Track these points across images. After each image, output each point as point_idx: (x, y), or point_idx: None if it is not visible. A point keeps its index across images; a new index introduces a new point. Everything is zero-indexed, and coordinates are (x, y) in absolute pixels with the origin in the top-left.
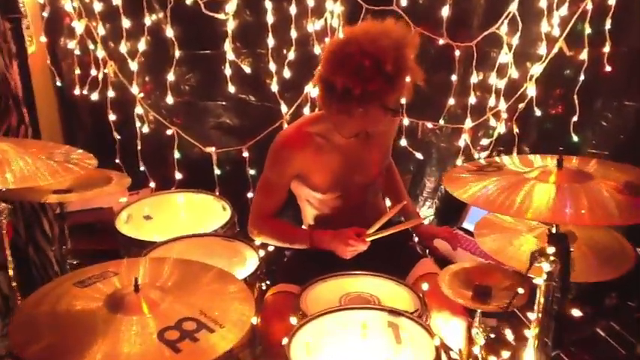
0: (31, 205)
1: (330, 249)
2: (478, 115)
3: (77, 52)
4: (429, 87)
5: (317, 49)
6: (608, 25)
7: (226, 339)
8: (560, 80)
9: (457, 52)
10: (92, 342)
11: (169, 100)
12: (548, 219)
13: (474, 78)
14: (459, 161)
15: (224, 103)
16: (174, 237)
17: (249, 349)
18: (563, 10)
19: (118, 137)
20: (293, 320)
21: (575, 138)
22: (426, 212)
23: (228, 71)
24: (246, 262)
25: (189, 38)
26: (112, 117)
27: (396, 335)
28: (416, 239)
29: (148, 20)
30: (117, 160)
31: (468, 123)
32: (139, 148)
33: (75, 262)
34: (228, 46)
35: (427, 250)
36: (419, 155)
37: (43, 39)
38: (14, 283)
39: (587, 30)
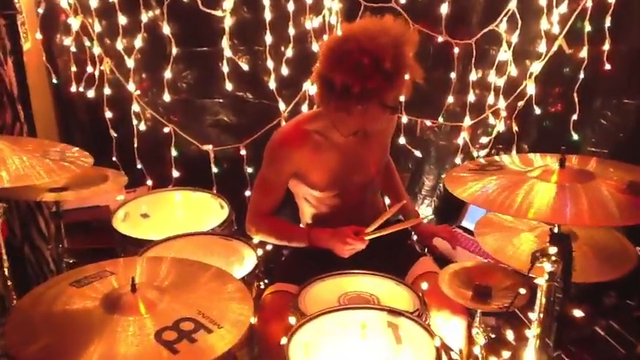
0: (27, 203)
1: (327, 247)
2: (477, 113)
3: (73, 49)
4: (428, 85)
5: (315, 47)
6: (607, 22)
7: (225, 339)
8: (560, 78)
9: (456, 50)
10: (88, 343)
11: (166, 97)
12: (547, 219)
13: (473, 76)
14: (458, 159)
15: (221, 100)
16: (171, 235)
17: (247, 348)
18: (563, 8)
19: (115, 135)
20: (291, 320)
21: (575, 136)
22: (425, 210)
23: (225, 68)
24: (244, 260)
25: (186, 35)
26: (108, 114)
27: (395, 335)
28: (415, 238)
29: (145, 17)
30: (113, 158)
31: (467, 121)
32: (135, 145)
33: (71, 261)
34: (225, 43)
35: (426, 249)
36: (418, 153)
37: (39, 36)
38: (10, 283)
39: (587, 28)
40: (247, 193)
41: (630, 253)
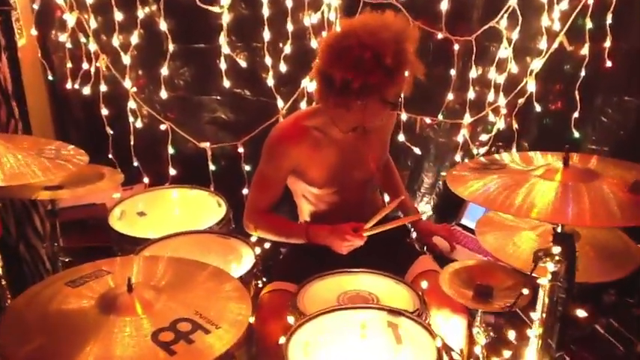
0: (22, 201)
1: (326, 244)
2: (477, 110)
3: (69, 45)
4: (428, 82)
5: (314, 43)
6: (609, 20)
7: (222, 340)
8: (560, 75)
9: (456, 47)
10: (84, 344)
11: (163, 94)
12: (549, 219)
13: (473, 73)
14: (458, 157)
15: (219, 97)
16: (168, 234)
17: (245, 347)
18: (564, 5)
19: (111, 132)
20: (290, 319)
21: (576, 134)
22: (424, 208)
23: (223, 65)
24: (242, 259)
25: (184, 31)
26: (104, 112)
27: (396, 335)
28: (414, 235)
29: (141, 13)
30: (110, 156)
31: (467, 118)
32: (132, 143)
33: (67, 260)
34: (223, 39)
35: (425, 247)
36: (417, 151)
37: (34, 32)
38: (4, 282)
39: (588, 25)
40: (245, 191)
41: (633, 252)
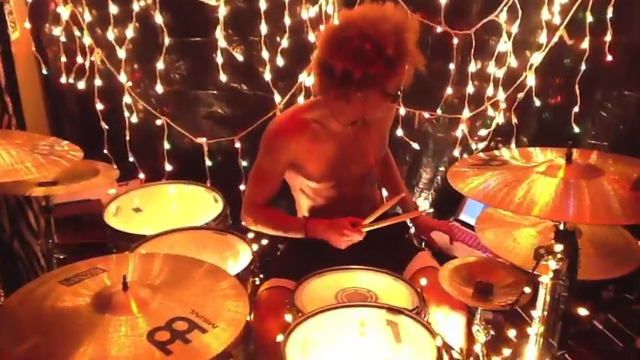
0: (16, 197)
1: (324, 238)
2: (476, 104)
3: (63, 39)
4: (426, 76)
5: (311, 37)
6: (609, 13)
7: (219, 339)
8: (560, 70)
9: (455, 40)
10: (79, 344)
11: (159, 89)
12: (548, 216)
13: (472, 67)
14: (456, 152)
15: (215, 92)
16: (164, 230)
17: (242, 346)
18: None
19: (106, 127)
20: (288, 317)
21: (576, 129)
22: (422, 203)
23: (219, 59)
24: (239, 256)
25: (179, 25)
26: (99, 106)
27: (395, 334)
28: (412, 231)
29: (136, 6)
30: (105, 151)
31: (466, 113)
32: (127, 138)
33: (61, 257)
34: (219, 33)
35: (423, 243)
36: (415, 146)
37: (27, 25)
38: None
39: (589, 18)
40: (242, 186)
41: (635, 250)
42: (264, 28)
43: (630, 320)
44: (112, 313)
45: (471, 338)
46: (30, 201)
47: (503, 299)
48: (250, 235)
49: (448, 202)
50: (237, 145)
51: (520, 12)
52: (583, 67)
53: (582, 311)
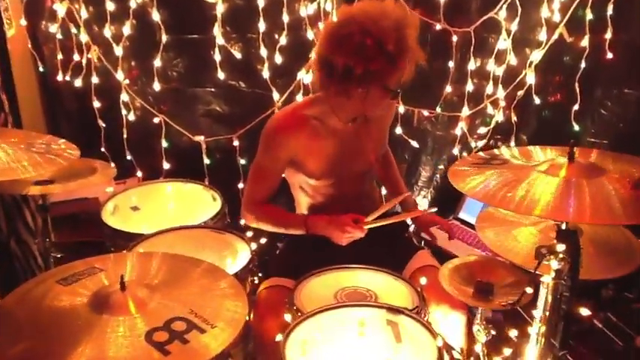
0: (12, 196)
1: (325, 234)
2: (475, 102)
3: (59, 36)
4: (426, 74)
5: (310, 34)
6: (609, 11)
7: (218, 340)
8: (560, 67)
9: (454, 38)
10: (76, 344)
11: (156, 86)
12: (547, 216)
13: (472, 64)
14: (456, 150)
15: (213, 89)
16: (162, 229)
17: (241, 345)
18: None
19: (103, 125)
20: (287, 317)
21: (575, 127)
22: (421, 202)
23: (217, 57)
24: (238, 255)
25: (177, 22)
26: (96, 104)
27: (395, 334)
28: (411, 229)
29: (133, 3)
30: (102, 149)
31: (465, 111)
32: (125, 136)
33: (59, 256)
34: (217, 30)
35: (423, 242)
36: (414, 144)
37: (23, 22)
38: None
39: (589, 16)
40: (240, 185)
41: (636, 249)
42: (262, 26)
43: (630, 319)
44: (109, 314)
45: (471, 338)
46: (27, 199)
47: (503, 299)
48: (249, 234)
49: (447, 200)
50: (236, 143)
51: (520, 9)
52: (583, 64)
53: (584, 311)
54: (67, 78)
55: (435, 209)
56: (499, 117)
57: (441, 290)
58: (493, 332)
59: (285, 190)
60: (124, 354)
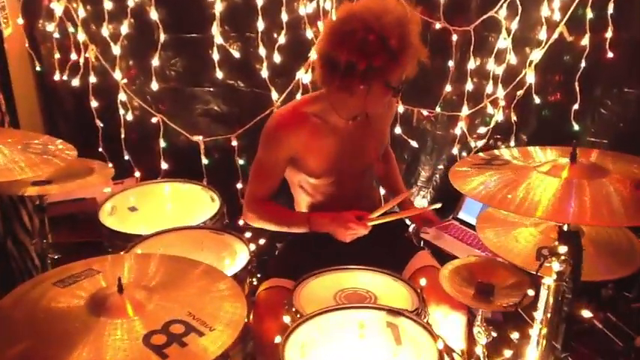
0: (9, 196)
1: (328, 231)
2: (475, 102)
3: (56, 35)
4: (425, 73)
5: (309, 33)
6: (610, 10)
7: (217, 343)
8: (560, 67)
9: (454, 37)
10: (73, 347)
11: (154, 86)
12: (547, 217)
13: (472, 64)
14: (455, 150)
15: (212, 89)
16: (160, 230)
17: (240, 346)
18: None
19: (101, 125)
20: (286, 319)
21: (575, 126)
22: (420, 202)
23: (216, 56)
24: (236, 255)
25: (175, 21)
26: (94, 104)
27: (395, 336)
28: (411, 229)
29: (131, 2)
30: (100, 149)
31: (465, 110)
32: (122, 136)
33: (56, 257)
34: (215, 29)
35: (422, 242)
36: (414, 143)
37: (20, 21)
38: None
39: (589, 15)
40: (239, 185)
41: (637, 250)
42: (261, 25)
43: (630, 319)
44: (107, 316)
45: (471, 339)
46: (24, 200)
47: (504, 300)
48: (248, 235)
49: (447, 200)
50: (234, 143)
51: (520, 8)
52: (583, 64)
53: (586, 313)
54: (65, 77)
55: (439, 205)
56: (499, 116)
57: (441, 291)
58: (494, 334)
59: (285, 189)
60: (122, 357)
